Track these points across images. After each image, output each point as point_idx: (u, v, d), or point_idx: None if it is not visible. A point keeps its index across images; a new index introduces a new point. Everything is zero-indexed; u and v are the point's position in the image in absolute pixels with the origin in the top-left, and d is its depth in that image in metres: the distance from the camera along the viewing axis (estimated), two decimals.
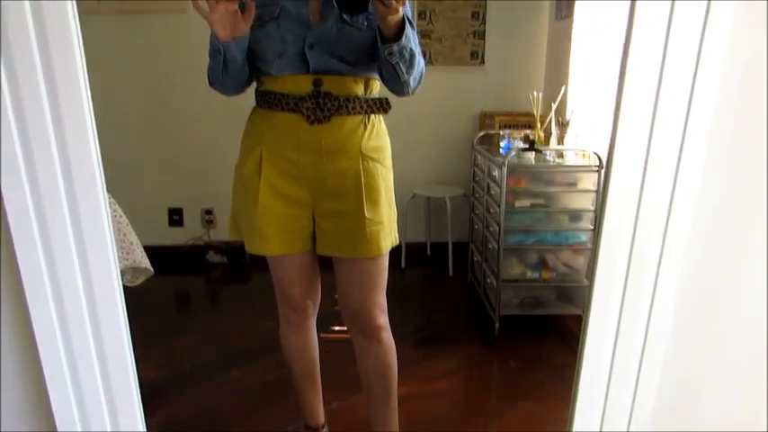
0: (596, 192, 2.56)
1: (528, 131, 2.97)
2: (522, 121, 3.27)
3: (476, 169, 3.18)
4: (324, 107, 1.43)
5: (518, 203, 2.61)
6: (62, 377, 0.99)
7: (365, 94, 1.49)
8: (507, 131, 2.99)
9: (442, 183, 3.71)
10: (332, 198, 1.49)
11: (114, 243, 1.00)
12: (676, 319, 1.05)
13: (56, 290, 0.95)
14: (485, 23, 3.56)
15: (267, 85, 1.48)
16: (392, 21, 1.28)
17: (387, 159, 1.55)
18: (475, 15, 3.55)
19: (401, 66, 1.38)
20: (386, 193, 1.53)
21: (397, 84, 1.45)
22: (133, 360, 1.03)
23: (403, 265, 3.61)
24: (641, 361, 1.07)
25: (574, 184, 2.63)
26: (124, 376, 1.02)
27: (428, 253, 3.86)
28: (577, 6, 3.03)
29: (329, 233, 1.53)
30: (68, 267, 0.94)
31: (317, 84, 1.42)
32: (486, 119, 3.52)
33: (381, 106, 1.52)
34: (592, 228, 2.60)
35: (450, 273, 3.52)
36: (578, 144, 2.81)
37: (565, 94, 2.91)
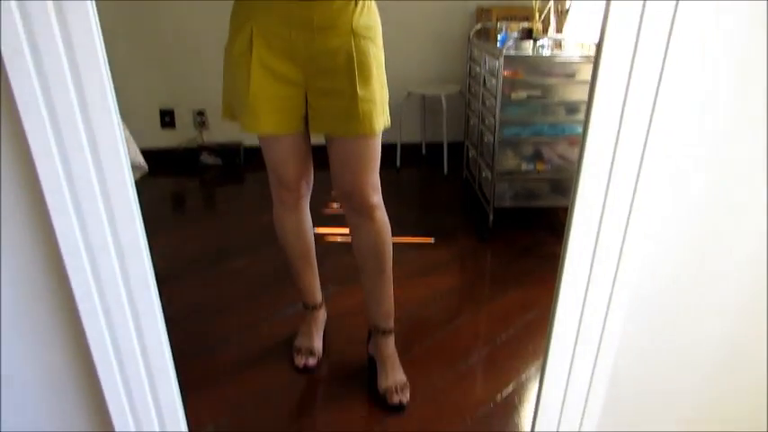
0: None
1: (525, 23, 2.89)
2: (521, 13, 3.18)
3: (472, 64, 3.13)
4: None
5: (514, 95, 2.58)
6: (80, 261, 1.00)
7: None
8: (505, 23, 2.91)
9: (438, 80, 3.65)
10: (324, 76, 1.47)
11: (120, 121, 0.98)
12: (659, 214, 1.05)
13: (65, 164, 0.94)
14: None
15: None
16: None
17: (378, 38, 1.51)
18: None
19: None
20: (377, 71, 1.50)
21: None
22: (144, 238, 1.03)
23: (398, 164, 3.60)
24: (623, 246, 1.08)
25: (572, 76, 2.60)
26: (137, 250, 1.02)
27: (423, 152, 3.86)
28: None
29: (322, 112, 1.52)
30: (76, 139, 0.93)
31: None
32: (482, 13, 3.42)
33: None
34: None
35: (446, 171, 3.52)
36: (578, 35, 2.74)
37: None
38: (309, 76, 1.47)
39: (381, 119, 1.53)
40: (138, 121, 3.68)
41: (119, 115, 0.95)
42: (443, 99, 3.37)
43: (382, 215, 1.64)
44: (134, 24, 3.55)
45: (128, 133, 2.70)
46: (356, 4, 1.44)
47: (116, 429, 1.14)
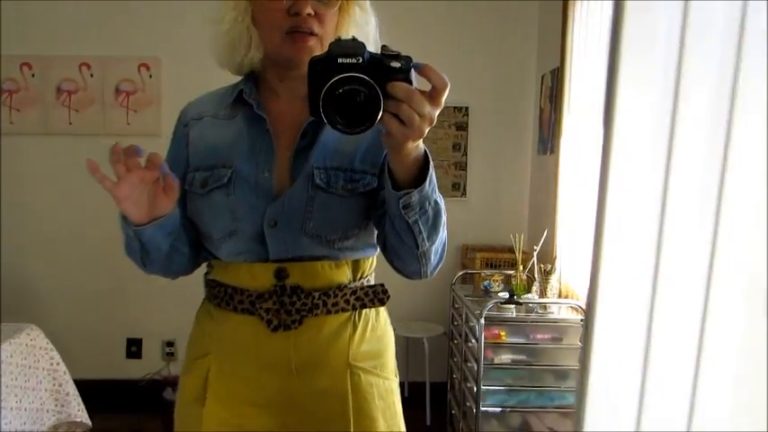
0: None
1: (511, 272, 2.78)
2: (505, 258, 3.09)
3: (454, 312, 2.96)
4: (291, 307, 1.03)
5: (497, 359, 2.37)
6: None
7: (354, 280, 1.09)
8: (488, 272, 2.80)
9: (421, 319, 3.46)
10: (308, 427, 1.09)
11: None
12: None
13: None
14: (466, 155, 3.46)
15: (216, 272, 1.12)
16: (411, 152, 0.88)
17: (387, 365, 1.14)
18: (456, 147, 3.46)
19: (421, 227, 0.95)
20: (385, 417, 1.10)
21: (411, 258, 1.01)
22: None
23: None
24: None
25: (559, 339, 2.41)
26: None
27: (405, 395, 3.56)
28: (563, 142, 2.90)
29: None
30: None
31: (280, 275, 1.04)
32: (467, 252, 3.34)
33: (376, 296, 1.11)
34: None
35: (428, 422, 3.20)
36: (563, 292, 2.61)
37: (548, 237, 2.74)
38: (285, 426, 1.08)
39: None
40: (103, 351, 3.47)
41: None
42: (426, 342, 3.17)
43: None
44: (106, 252, 3.46)
45: (71, 387, 2.48)
46: (355, 328, 1.08)
47: None
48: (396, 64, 0.84)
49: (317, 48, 1.02)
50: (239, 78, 1.14)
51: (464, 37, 3.36)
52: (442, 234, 1.00)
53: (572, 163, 2.74)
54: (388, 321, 1.17)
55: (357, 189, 1.05)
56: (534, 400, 2.38)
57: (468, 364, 2.55)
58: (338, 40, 0.86)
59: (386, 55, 0.85)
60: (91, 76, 3.24)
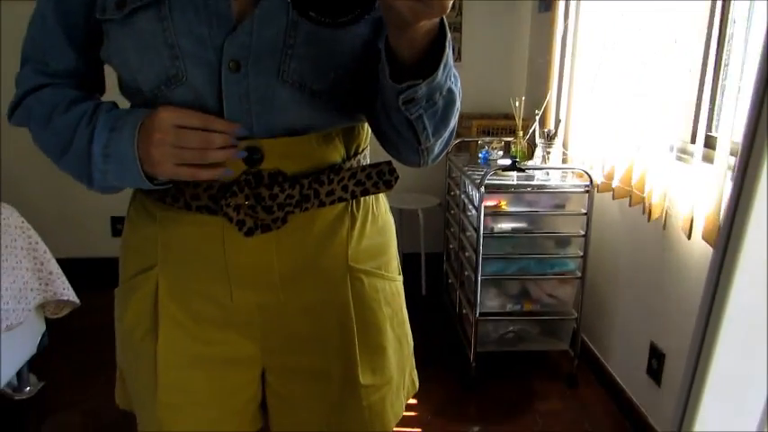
0: (586, 215, 2.24)
1: (510, 139, 2.65)
2: (502, 125, 2.95)
3: (450, 182, 2.85)
4: (272, 202, 0.77)
5: (497, 228, 2.29)
6: None
7: (348, 158, 0.85)
8: (486, 139, 2.66)
9: (415, 191, 3.36)
10: (299, 350, 0.87)
11: None
12: None
13: None
14: (461, 14, 3.21)
15: None
16: (424, 25, 0.62)
17: (391, 262, 0.93)
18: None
19: (425, 122, 0.73)
20: (393, 325, 0.91)
21: (409, 152, 0.81)
22: None
23: None
24: None
25: (561, 206, 2.32)
26: None
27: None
28: None
29: (295, 402, 0.90)
30: None
31: (252, 158, 0.77)
32: (462, 121, 3.18)
33: (381, 179, 0.85)
34: (581, 254, 2.29)
35: (424, 291, 3.19)
36: (566, 159, 2.49)
37: (549, 101, 2.58)
38: (271, 350, 0.88)
39: (399, 400, 0.95)
40: (87, 230, 3.37)
41: None
42: (420, 214, 3.09)
43: None
44: None
45: (54, 266, 2.39)
46: (354, 220, 0.86)
47: None
48: None
49: None
50: None
51: None
52: (453, 123, 0.77)
53: (573, 22, 2.53)
54: (388, 207, 0.95)
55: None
56: (534, 268, 2.33)
57: (467, 234, 2.48)
58: None
59: None
60: None
